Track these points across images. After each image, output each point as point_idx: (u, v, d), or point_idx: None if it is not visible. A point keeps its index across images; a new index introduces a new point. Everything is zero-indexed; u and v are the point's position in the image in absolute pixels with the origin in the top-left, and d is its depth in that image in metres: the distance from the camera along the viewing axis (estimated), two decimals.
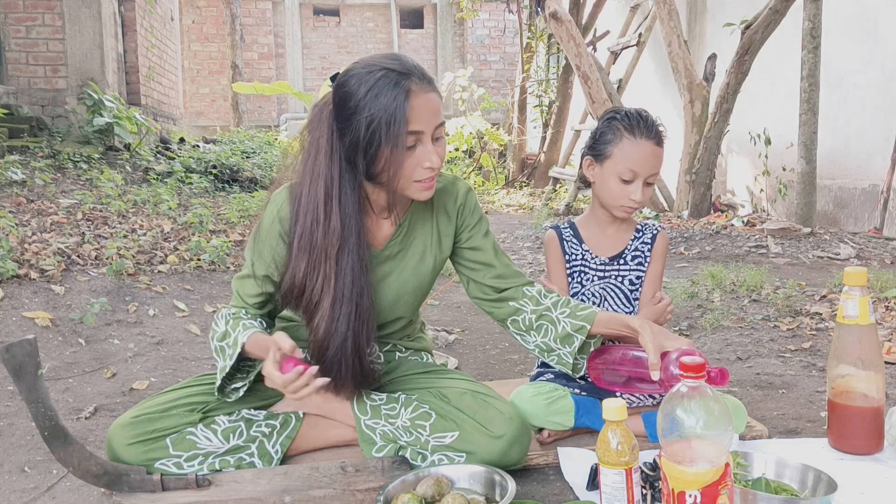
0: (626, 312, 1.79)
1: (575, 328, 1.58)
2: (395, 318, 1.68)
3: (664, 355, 1.42)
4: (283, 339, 1.38)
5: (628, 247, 1.80)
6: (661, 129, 1.72)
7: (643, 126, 1.69)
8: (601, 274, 1.79)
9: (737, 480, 1.29)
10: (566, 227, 1.85)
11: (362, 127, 1.37)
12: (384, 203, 1.56)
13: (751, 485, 1.32)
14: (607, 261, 1.80)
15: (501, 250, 1.69)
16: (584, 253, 1.81)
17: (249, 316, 1.55)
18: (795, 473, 1.35)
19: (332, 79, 1.47)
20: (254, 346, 1.45)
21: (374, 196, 1.54)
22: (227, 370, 1.48)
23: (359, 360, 1.50)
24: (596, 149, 1.74)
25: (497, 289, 1.65)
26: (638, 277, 1.79)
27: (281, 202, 1.52)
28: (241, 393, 1.55)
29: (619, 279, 1.79)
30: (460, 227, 1.65)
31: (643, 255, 1.80)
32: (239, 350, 1.45)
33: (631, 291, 1.79)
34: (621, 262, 1.79)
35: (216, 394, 1.54)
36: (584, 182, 1.81)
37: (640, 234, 1.81)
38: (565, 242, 1.82)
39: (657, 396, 1.69)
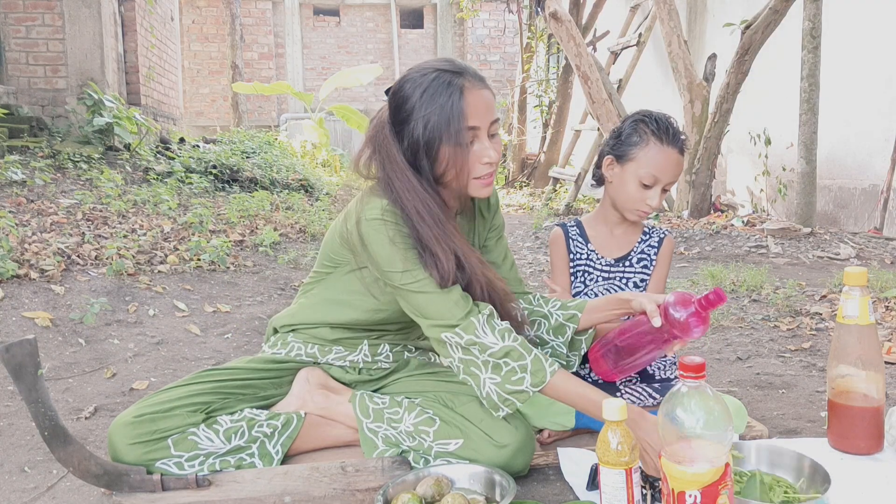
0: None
1: (567, 318, 1.61)
2: None
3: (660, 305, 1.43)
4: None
5: (634, 249, 1.80)
6: (683, 137, 1.72)
7: (671, 133, 1.68)
8: (606, 275, 1.79)
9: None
10: (573, 226, 1.85)
11: (420, 128, 1.41)
12: (451, 206, 1.56)
13: (745, 482, 1.33)
14: (613, 262, 1.80)
15: (511, 255, 1.73)
16: (589, 253, 1.81)
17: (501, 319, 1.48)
18: (791, 462, 1.36)
19: (387, 92, 1.50)
20: (567, 392, 1.40)
21: (446, 199, 1.54)
22: (531, 396, 1.41)
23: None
24: (619, 149, 1.72)
25: None
26: (642, 280, 1.79)
27: (385, 210, 1.46)
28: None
29: (624, 281, 1.79)
30: (491, 229, 1.70)
31: (649, 259, 1.80)
32: (548, 379, 1.39)
33: None
34: (626, 263, 1.80)
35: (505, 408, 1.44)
36: (598, 180, 1.81)
37: (648, 237, 1.81)
38: (571, 241, 1.83)
39: (657, 397, 1.69)
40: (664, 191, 1.70)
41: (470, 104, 1.40)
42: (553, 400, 1.63)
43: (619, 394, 1.70)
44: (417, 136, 1.41)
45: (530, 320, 1.67)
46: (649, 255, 1.80)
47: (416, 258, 1.45)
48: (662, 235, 1.82)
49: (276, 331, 1.75)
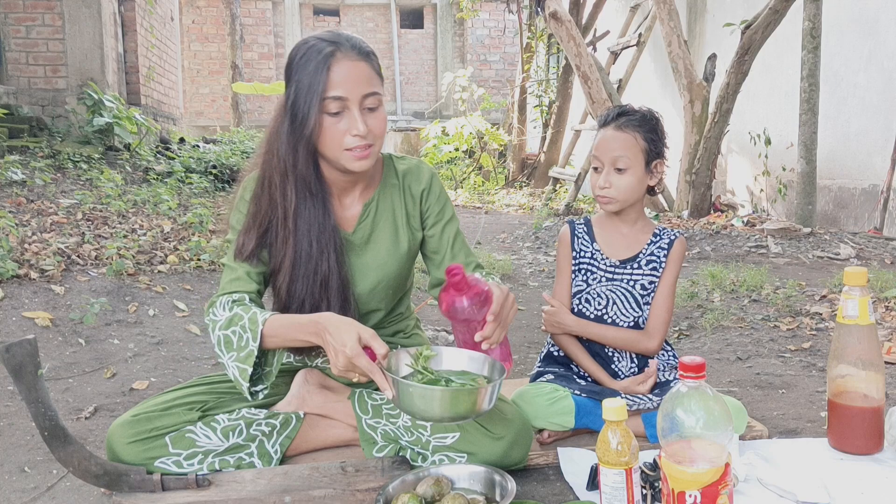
0: (635, 317, 1.78)
1: None
2: (382, 305, 1.68)
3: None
4: (373, 336, 1.33)
5: (643, 251, 1.78)
6: (630, 116, 1.72)
7: (607, 116, 1.75)
8: (609, 275, 1.78)
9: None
10: (581, 224, 1.85)
11: (292, 92, 1.45)
12: (341, 182, 1.57)
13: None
14: (618, 263, 1.78)
15: (463, 242, 1.69)
16: (594, 252, 1.80)
17: (253, 302, 1.51)
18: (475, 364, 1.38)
19: None
20: (282, 327, 1.40)
21: (328, 174, 1.55)
22: (255, 353, 1.41)
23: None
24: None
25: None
26: (651, 283, 1.77)
27: (250, 178, 1.59)
28: (262, 395, 1.50)
29: (631, 283, 1.77)
30: (425, 212, 1.67)
31: (658, 260, 1.77)
32: (261, 328, 1.40)
33: (642, 296, 1.77)
34: (634, 265, 1.78)
35: (248, 395, 1.46)
36: None
37: (658, 238, 1.79)
38: (576, 239, 1.82)
39: (656, 399, 1.69)
40: (619, 171, 1.70)
41: (336, 73, 1.42)
42: (554, 401, 1.64)
43: (619, 395, 1.70)
44: (290, 101, 1.45)
45: None
46: (659, 257, 1.78)
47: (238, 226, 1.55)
48: (673, 237, 1.79)
49: None
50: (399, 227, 1.64)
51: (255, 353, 1.41)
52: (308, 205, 1.51)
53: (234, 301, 1.49)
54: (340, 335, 1.31)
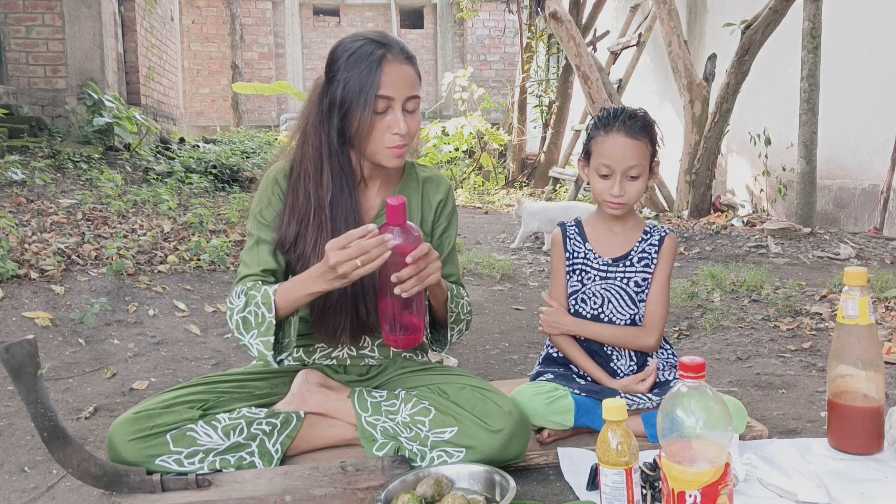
0: (631, 314, 1.79)
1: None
2: None
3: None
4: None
5: (635, 248, 1.80)
6: (638, 121, 1.71)
7: (612, 119, 1.73)
8: (603, 274, 1.79)
9: None
10: (572, 225, 1.86)
11: (339, 89, 1.52)
12: (366, 173, 1.63)
13: None
14: (611, 262, 1.80)
15: (455, 257, 1.77)
16: (586, 252, 1.81)
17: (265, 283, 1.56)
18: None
19: None
20: (287, 292, 1.47)
21: (356, 167, 1.62)
22: (274, 324, 1.47)
23: (356, 309, 1.58)
24: (584, 149, 1.80)
25: None
26: (644, 279, 1.78)
27: (278, 169, 1.64)
28: (290, 353, 1.56)
29: (625, 281, 1.79)
30: (436, 221, 1.73)
31: (650, 257, 1.79)
32: (273, 299, 1.47)
33: (637, 293, 1.78)
34: (627, 263, 1.79)
35: (275, 363, 1.53)
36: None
37: (649, 235, 1.81)
38: (568, 240, 1.84)
39: (656, 399, 1.69)
40: (632, 178, 1.71)
41: (387, 74, 1.50)
42: (553, 399, 1.64)
43: (618, 395, 1.70)
44: (335, 96, 1.53)
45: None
46: (650, 253, 1.79)
47: (271, 217, 1.60)
48: (664, 234, 1.81)
49: None
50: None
51: (274, 323, 1.48)
52: (345, 194, 1.58)
53: (248, 288, 1.53)
54: (331, 245, 1.38)
